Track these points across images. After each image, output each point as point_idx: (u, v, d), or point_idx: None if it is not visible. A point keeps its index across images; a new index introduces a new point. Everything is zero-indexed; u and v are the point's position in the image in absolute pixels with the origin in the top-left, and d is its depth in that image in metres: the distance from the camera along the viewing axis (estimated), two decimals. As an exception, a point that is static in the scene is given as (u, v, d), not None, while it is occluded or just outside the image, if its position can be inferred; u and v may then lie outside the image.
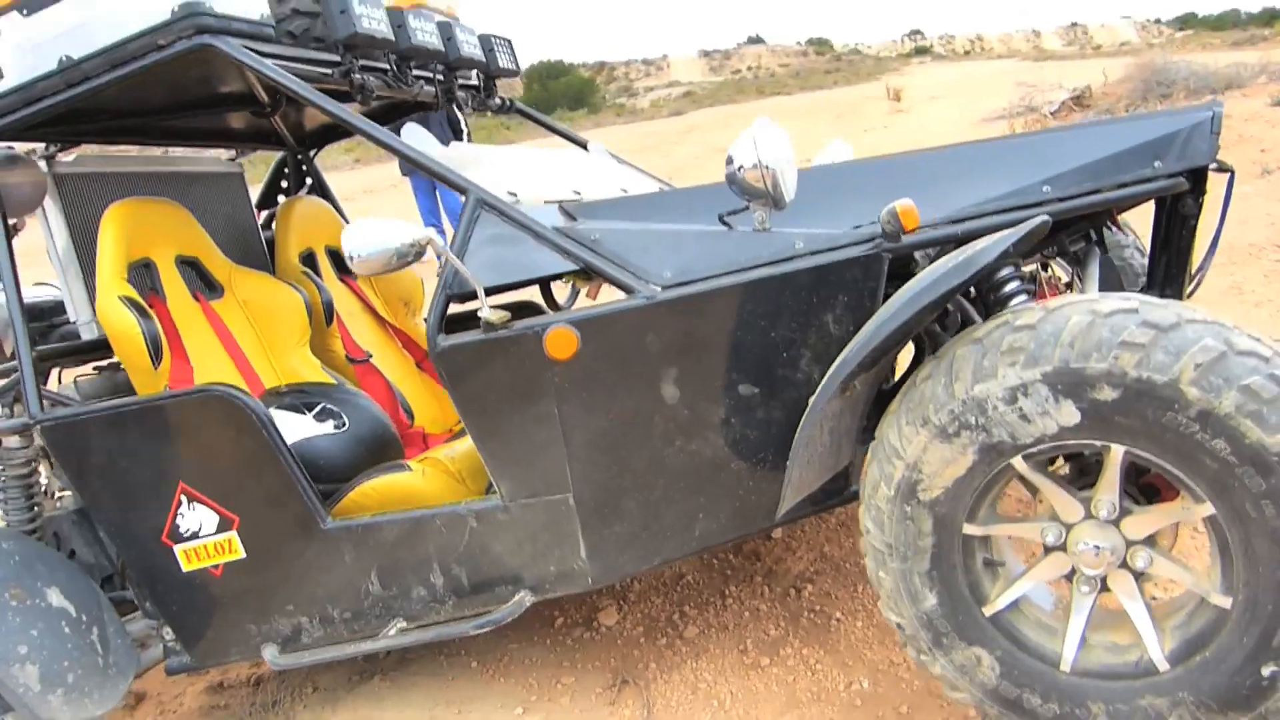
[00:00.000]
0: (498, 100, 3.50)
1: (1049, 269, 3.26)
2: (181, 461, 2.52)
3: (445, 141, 7.04)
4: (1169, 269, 2.60)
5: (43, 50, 2.42)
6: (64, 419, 2.51)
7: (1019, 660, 1.93)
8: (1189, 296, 2.74)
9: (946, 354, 1.87)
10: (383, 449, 2.87)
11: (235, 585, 2.59)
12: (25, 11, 2.43)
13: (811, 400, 1.98)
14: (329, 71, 2.62)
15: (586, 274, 2.28)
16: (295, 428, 2.77)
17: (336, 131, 3.90)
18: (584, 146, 3.60)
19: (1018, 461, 1.81)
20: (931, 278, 1.84)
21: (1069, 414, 1.72)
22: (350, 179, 19.68)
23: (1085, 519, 1.86)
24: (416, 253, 2.13)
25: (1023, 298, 2.21)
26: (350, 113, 2.36)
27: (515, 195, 2.43)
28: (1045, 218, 1.90)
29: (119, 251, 2.74)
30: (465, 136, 6.97)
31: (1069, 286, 3.53)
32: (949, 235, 2.21)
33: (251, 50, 2.36)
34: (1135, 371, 1.65)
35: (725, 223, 2.26)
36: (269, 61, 2.35)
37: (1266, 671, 1.69)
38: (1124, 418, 1.69)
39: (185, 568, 2.59)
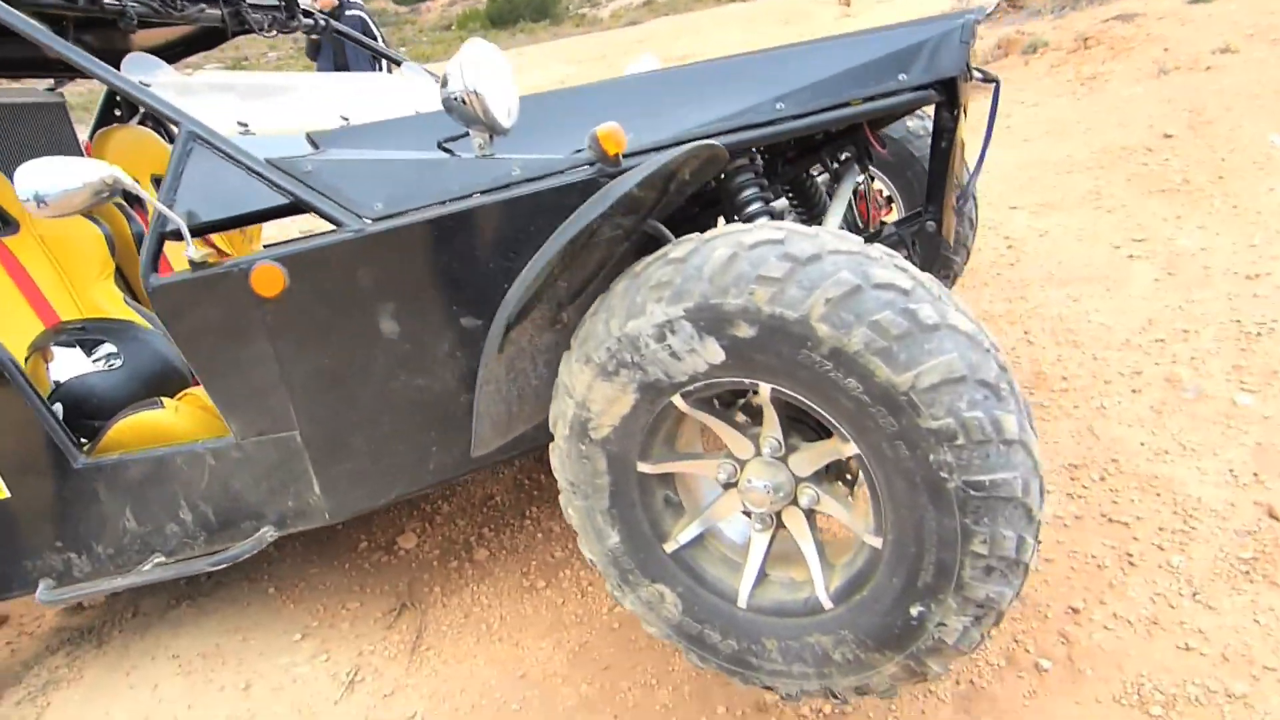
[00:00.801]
0: (306, 21, 3.25)
1: (871, 183, 3.08)
2: None
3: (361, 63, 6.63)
4: (932, 184, 2.42)
5: None
6: None
7: (699, 596, 1.81)
8: (959, 209, 2.56)
9: (611, 289, 1.70)
10: (163, 386, 2.72)
11: (4, 523, 2.47)
12: None
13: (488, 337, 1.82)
14: None
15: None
16: (67, 365, 2.62)
17: (167, 55, 3.65)
18: (397, 64, 3.36)
19: (678, 400, 1.66)
20: (580, 210, 1.66)
21: (714, 352, 1.57)
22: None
23: (756, 456, 1.72)
24: (111, 189, 1.95)
25: (763, 219, 2.04)
26: (50, 37, 2.13)
27: (245, 125, 2.23)
28: (710, 144, 1.70)
29: None
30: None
31: (889, 200, 3.35)
32: None
33: None
34: (769, 308, 1.49)
35: (446, 149, 2.07)
36: None
37: (914, 611, 1.57)
38: (763, 356, 1.53)
39: None
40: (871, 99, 2.11)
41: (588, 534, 1.85)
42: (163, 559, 2.39)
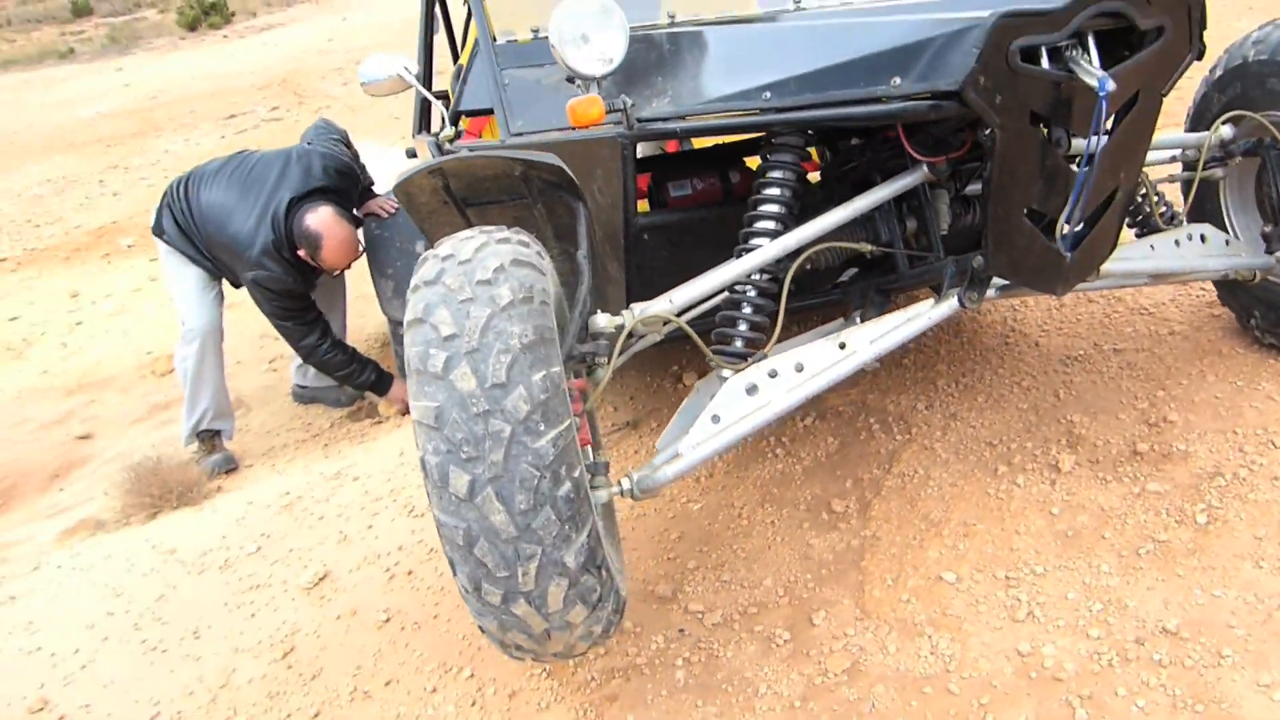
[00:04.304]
0: None
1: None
2: None
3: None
4: (983, 214, 1.83)
5: None
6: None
7: None
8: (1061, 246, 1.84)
9: None
10: None
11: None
12: None
13: None
14: None
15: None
16: None
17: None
18: None
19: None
20: None
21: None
22: None
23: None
24: (401, 80, 2.81)
25: (475, 230, 1.87)
26: None
27: (536, 32, 2.73)
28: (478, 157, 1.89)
29: None
30: None
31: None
32: (667, 130, 2.06)
33: None
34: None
35: (572, 81, 2.38)
36: None
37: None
38: None
39: None
40: (853, 101, 1.78)
41: None
42: None
